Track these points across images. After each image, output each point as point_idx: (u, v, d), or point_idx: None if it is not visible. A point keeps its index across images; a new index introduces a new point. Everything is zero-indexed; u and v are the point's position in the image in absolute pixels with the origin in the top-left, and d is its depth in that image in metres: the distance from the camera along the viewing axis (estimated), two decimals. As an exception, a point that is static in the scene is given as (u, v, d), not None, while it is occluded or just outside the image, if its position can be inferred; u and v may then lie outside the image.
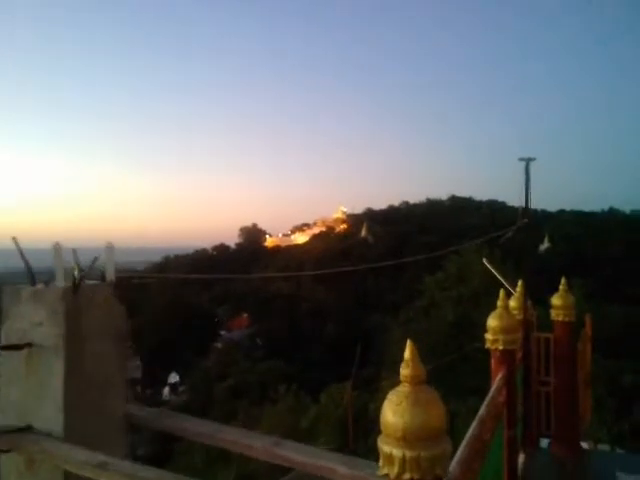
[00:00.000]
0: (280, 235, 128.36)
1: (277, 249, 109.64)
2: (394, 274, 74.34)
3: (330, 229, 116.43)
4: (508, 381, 3.53)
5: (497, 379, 3.42)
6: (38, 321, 2.42)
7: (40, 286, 2.51)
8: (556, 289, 5.51)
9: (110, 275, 2.65)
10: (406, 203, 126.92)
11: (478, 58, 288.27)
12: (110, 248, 2.63)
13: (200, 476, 31.64)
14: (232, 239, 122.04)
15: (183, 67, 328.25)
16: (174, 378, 65.30)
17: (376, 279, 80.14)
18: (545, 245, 70.31)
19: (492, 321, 3.77)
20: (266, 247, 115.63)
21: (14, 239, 2.58)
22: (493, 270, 5.83)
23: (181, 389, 62.60)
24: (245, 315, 76.86)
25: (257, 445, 2.25)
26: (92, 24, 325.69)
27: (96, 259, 2.60)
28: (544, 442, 5.52)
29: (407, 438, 1.64)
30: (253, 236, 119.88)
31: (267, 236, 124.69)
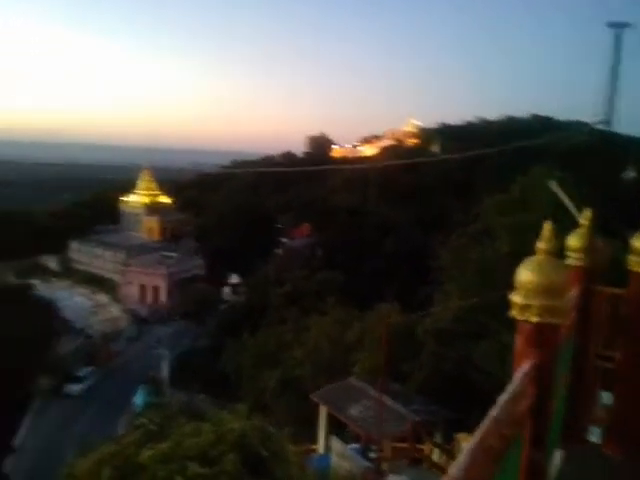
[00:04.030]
0: (348, 146, 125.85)
1: (345, 160, 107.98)
2: (465, 194, 71.13)
3: (400, 142, 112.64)
4: (541, 375, 2.12)
5: (521, 370, 2.07)
6: None
7: None
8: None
9: None
10: (483, 120, 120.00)
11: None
12: None
13: (248, 373, 33.49)
14: (299, 148, 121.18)
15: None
16: (235, 279, 67.90)
17: (444, 198, 77.55)
18: (630, 174, 63.95)
19: (524, 274, 2.17)
20: (334, 157, 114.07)
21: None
22: (560, 194, 4.64)
23: (241, 290, 65.16)
24: (307, 225, 77.50)
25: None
26: None
27: None
28: (595, 433, 3.97)
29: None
30: (321, 146, 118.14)
31: (335, 146, 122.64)
